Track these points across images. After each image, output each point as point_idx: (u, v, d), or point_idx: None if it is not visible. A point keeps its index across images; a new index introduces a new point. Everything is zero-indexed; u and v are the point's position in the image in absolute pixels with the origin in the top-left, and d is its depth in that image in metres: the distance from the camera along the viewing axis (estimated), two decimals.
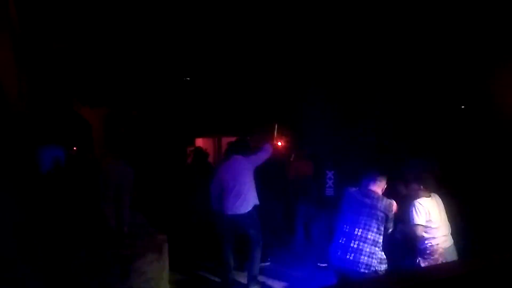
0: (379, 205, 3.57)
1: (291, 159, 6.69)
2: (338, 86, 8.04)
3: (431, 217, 3.61)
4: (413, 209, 3.62)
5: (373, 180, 3.68)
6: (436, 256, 3.63)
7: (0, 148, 2.54)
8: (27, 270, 2.61)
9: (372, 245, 3.51)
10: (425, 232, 3.65)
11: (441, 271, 1.68)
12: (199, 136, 11.59)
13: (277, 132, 6.94)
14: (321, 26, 6.53)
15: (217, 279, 5.40)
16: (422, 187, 3.73)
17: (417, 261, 3.75)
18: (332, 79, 7.97)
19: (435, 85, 7.28)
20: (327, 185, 5.67)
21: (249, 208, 4.94)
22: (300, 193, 6.17)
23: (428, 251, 3.68)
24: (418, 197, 3.68)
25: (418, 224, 3.58)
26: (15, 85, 4.22)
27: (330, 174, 5.68)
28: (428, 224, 3.61)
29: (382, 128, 7.33)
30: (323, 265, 5.67)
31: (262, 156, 5.11)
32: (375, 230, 3.53)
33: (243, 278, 5.13)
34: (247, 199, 4.95)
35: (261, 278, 5.18)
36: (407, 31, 6.36)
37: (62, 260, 3.72)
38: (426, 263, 3.69)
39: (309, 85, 8.34)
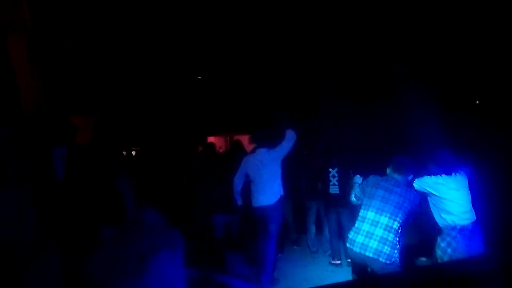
0: (408, 196, 3.51)
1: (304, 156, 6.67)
2: (345, 82, 8.01)
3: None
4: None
5: (401, 169, 3.62)
6: (454, 233, 3.62)
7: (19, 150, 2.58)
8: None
9: (395, 235, 3.44)
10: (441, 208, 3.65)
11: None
12: (211, 135, 11.63)
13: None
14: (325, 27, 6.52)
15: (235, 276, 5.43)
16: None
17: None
18: (339, 75, 7.93)
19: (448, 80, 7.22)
20: (331, 183, 5.64)
21: (275, 199, 4.95)
22: (311, 190, 6.17)
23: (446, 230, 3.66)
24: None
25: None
26: (30, 86, 4.27)
27: (333, 171, 5.65)
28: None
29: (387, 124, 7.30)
30: (336, 262, 5.67)
31: (288, 145, 5.03)
32: (399, 220, 3.46)
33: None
34: (273, 191, 4.97)
35: (274, 275, 5.19)
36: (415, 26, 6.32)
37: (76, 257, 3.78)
38: (445, 243, 3.66)
39: (318, 82, 8.32)
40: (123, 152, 9.66)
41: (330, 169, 5.67)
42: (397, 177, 3.61)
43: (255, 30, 6.83)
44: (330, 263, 5.73)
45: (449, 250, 3.65)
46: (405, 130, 7.07)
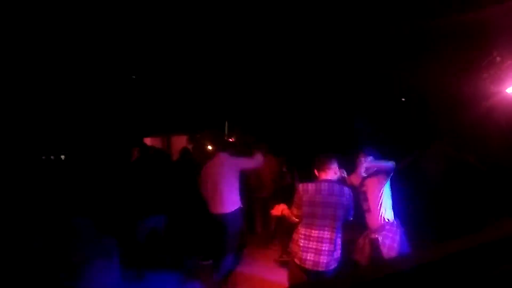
0: (342, 201, 3.53)
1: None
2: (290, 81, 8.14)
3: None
4: None
5: (327, 168, 3.63)
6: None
7: None
8: None
9: (335, 243, 3.55)
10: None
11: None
12: (147, 136, 11.28)
13: (228, 130, 6.92)
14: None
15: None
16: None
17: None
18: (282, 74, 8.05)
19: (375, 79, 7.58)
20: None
21: (233, 208, 4.92)
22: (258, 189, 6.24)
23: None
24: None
25: None
26: None
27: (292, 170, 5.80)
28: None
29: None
30: (283, 259, 5.77)
31: (250, 164, 5.08)
32: (339, 227, 3.56)
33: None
34: (231, 198, 4.93)
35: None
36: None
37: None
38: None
39: (260, 81, 8.38)
40: (51, 157, 9.09)
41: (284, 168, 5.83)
42: (329, 178, 3.62)
43: (193, 25, 6.72)
44: (278, 260, 5.83)
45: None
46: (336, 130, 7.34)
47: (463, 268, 1.42)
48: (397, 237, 3.89)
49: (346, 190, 3.59)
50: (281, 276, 5.15)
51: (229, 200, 4.94)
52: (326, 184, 3.56)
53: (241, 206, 5.06)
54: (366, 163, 3.83)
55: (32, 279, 3.52)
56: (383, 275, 1.29)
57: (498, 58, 5.65)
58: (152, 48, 7.60)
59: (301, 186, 3.67)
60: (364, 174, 3.88)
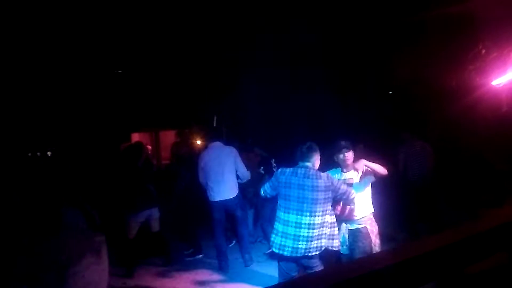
0: (319, 184, 3.51)
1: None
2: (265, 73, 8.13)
3: None
4: None
5: (306, 156, 3.64)
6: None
7: None
8: None
9: (319, 228, 3.53)
10: None
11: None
12: (135, 131, 11.18)
13: (217, 124, 6.88)
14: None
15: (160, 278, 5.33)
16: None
17: None
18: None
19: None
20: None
21: (237, 191, 5.32)
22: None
23: None
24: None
25: None
26: None
27: (273, 161, 5.79)
28: None
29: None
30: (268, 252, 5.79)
31: (245, 174, 5.37)
32: (321, 212, 3.53)
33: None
34: (235, 183, 5.30)
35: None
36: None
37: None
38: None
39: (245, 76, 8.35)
40: (37, 153, 8.97)
41: (271, 161, 5.81)
42: (307, 164, 3.64)
43: (179, 20, 6.68)
44: (268, 253, 5.85)
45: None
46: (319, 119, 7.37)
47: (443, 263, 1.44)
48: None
49: (325, 174, 3.60)
50: (271, 269, 5.18)
51: (234, 185, 5.30)
52: (303, 168, 3.61)
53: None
54: (365, 162, 3.85)
55: (19, 278, 3.47)
56: (367, 271, 1.29)
57: (483, 51, 5.71)
58: (141, 43, 7.53)
59: (280, 170, 3.76)
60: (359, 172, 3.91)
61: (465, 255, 1.47)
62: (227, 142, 5.62)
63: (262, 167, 5.92)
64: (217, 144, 5.38)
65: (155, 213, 5.49)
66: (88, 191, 6.32)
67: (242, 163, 5.37)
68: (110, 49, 7.73)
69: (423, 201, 5.75)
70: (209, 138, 5.66)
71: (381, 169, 3.83)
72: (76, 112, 9.53)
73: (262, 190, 3.89)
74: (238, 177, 5.37)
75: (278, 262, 3.83)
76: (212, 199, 5.27)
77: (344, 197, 3.59)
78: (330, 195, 3.53)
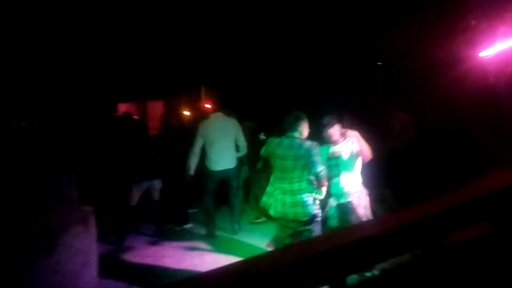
0: (301, 152, 3.59)
1: None
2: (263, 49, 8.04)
3: None
4: None
5: (292, 126, 3.72)
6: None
7: None
8: None
9: (304, 193, 3.64)
10: None
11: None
12: (122, 101, 11.02)
13: (205, 95, 6.80)
14: None
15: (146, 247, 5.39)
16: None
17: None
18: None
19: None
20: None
21: (236, 161, 5.53)
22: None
23: None
24: None
25: None
26: None
27: (262, 135, 5.79)
28: None
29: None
30: (260, 220, 5.88)
31: (244, 146, 5.57)
32: (302, 179, 3.64)
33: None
34: (235, 154, 5.51)
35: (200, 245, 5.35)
36: None
37: None
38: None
39: (234, 46, 8.23)
40: (22, 123, 8.83)
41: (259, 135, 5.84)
42: (293, 134, 3.71)
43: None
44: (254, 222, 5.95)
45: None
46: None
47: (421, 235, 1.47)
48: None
49: (307, 144, 3.64)
50: (257, 237, 5.28)
51: (234, 156, 5.50)
52: (289, 139, 3.69)
53: None
54: (357, 135, 3.92)
55: (6, 248, 3.48)
56: (353, 240, 1.32)
57: (473, 22, 5.67)
58: (127, 11, 7.33)
59: (268, 140, 3.91)
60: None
61: (447, 225, 1.51)
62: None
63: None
64: (220, 115, 5.46)
65: (157, 183, 5.56)
66: (79, 161, 6.31)
67: (243, 136, 5.50)
68: (97, 18, 7.52)
69: (399, 169, 5.76)
70: (214, 109, 5.77)
71: (367, 152, 3.90)
72: (63, 82, 9.34)
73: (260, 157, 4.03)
74: (237, 148, 5.51)
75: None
76: (213, 168, 5.36)
77: (311, 166, 3.60)
78: (308, 160, 3.60)
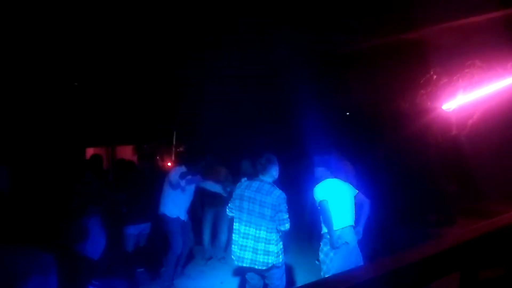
0: (268, 200, 3.53)
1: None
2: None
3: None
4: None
5: (262, 170, 3.65)
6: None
7: None
8: None
9: (265, 243, 3.54)
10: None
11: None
12: (91, 146, 10.79)
13: (176, 140, 6.76)
14: None
15: None
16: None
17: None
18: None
19: None
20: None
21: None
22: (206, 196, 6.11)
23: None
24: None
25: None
26: None
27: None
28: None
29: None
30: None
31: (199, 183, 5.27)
32: (266, 228, 3.55)
33: None
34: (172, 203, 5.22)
35: None
36: None
37: None
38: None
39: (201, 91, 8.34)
40: None
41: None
42: (263, 178, 3.67)
43: (137, 32, 6.58)
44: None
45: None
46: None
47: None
48: None
49: (278, 192, 3.59)
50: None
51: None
52: (258, 182, 3.65)
53: None
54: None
55: None
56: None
57: (434, 76, 6.02)
58: (97, 55, 7.35)
59: (238, 183, 3.82)
60: None
61: (422, 275, 1.51)
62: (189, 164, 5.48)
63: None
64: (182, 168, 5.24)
65: (146, 228, 5.38)
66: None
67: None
68: (66, 61, 7.48)
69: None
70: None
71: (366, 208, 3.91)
72: (30, 125, 9.10)
73: (227, 208, 3.84)
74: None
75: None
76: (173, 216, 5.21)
77: (278, 222, 3.57)
78: (273, 213, 3.55)
